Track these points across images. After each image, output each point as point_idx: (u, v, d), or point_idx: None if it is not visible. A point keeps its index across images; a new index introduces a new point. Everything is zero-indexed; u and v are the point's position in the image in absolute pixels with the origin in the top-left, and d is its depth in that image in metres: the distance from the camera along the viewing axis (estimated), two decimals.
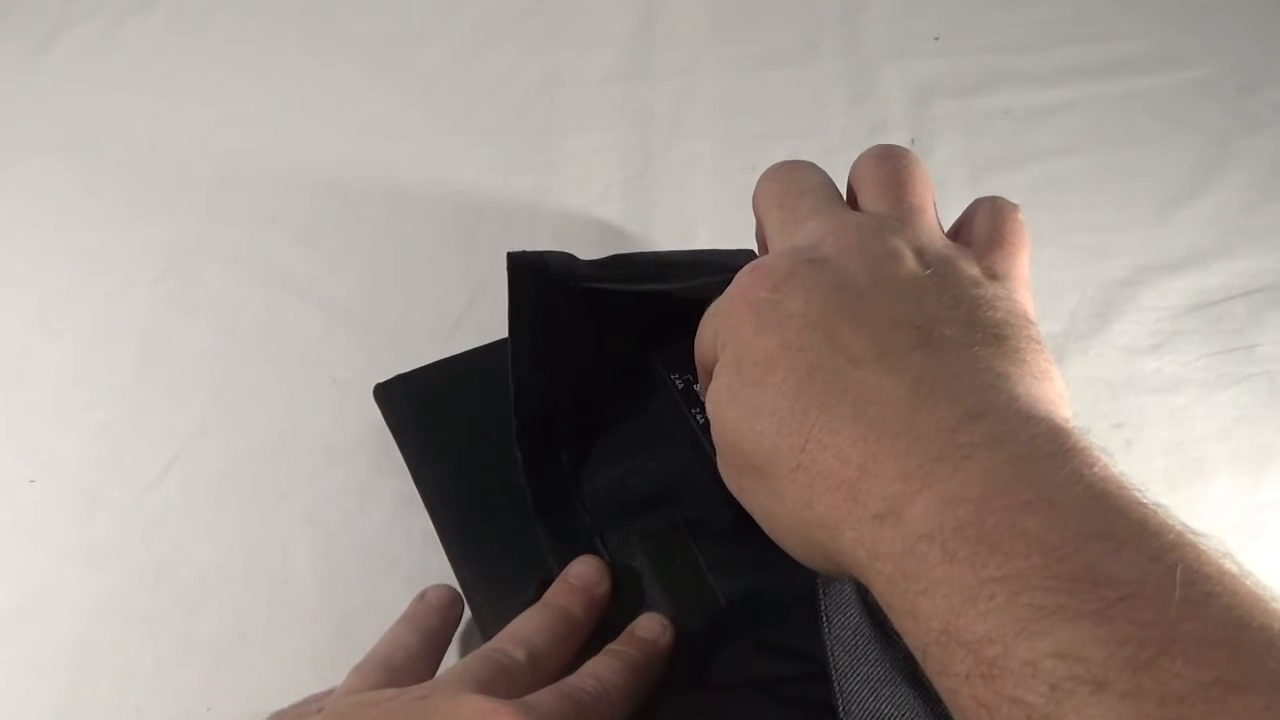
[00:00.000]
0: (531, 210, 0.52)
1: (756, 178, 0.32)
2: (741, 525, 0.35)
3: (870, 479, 0.23)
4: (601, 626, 0.34)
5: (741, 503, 0.29)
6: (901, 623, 0.22)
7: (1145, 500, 0.21)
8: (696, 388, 0.37)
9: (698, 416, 0.36)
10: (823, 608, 0.29)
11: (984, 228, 0.29)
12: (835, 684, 0.28)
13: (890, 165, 0.30)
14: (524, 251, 0.36)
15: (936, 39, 0.60)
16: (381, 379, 0.42)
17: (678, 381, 0.37)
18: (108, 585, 0.39)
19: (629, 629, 0.33)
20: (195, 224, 0.52)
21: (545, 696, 0.28)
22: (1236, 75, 0.57)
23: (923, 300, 0.26)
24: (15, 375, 0.46)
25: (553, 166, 0.54)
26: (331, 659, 0.36)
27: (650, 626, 0.33)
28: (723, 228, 0.51)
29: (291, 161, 0.55)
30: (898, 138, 0.54)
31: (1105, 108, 0.56)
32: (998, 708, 0.19)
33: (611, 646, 0.32)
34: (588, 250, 0.38)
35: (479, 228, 0.51)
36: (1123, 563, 0.19)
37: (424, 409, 0.41)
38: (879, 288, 0.26)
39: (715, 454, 0.35)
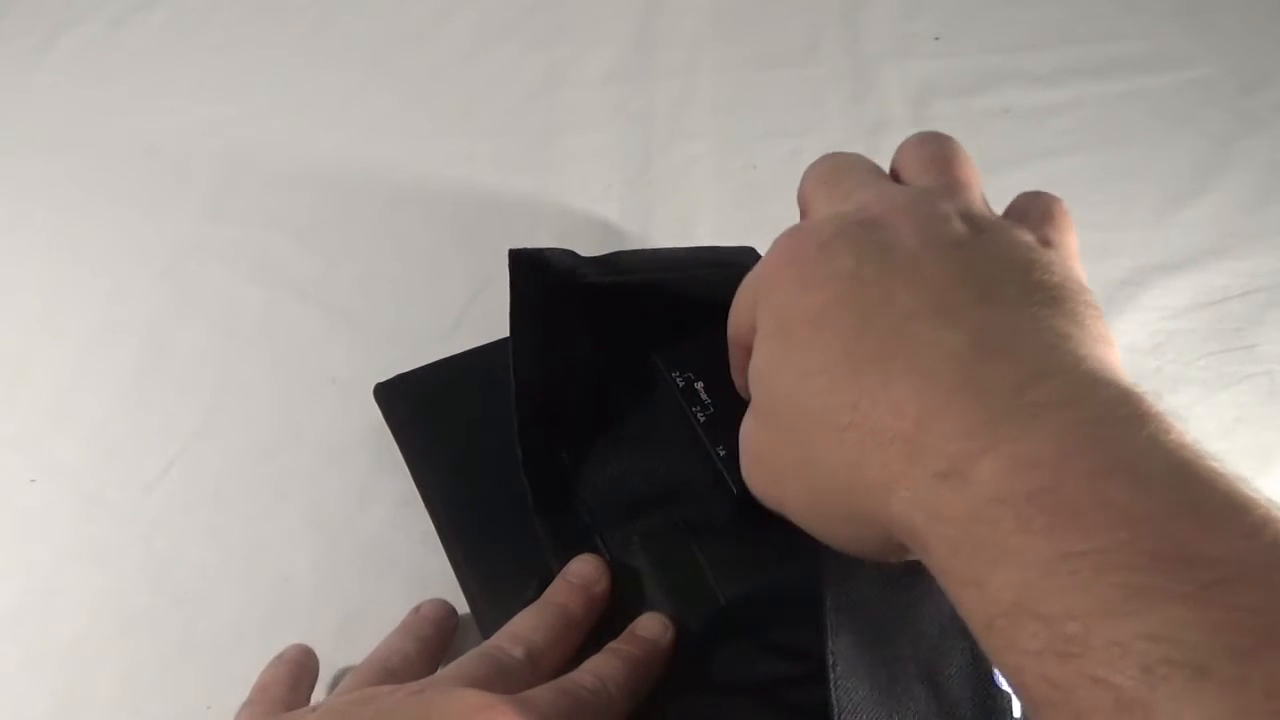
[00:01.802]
0: (531, 210, 0.52)
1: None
2: (742, 525, 0.35)
3: (928, 434, 0.22)
4: (602, 626, 0.34)
5: (772, 496, 0.28)
6: (962, 592, 0.21)
7: (1226, 470, 0.19)
8: (697, 386, 0.37)
9: (698, 415, 0.36)
10: (829, 623, 0.29)
11: (1034, 209, 0.28)
12: (834, 699, 0.28)
13: (934, 145, 0.30)
14: (525, 248, 0.36)
15: (936, 39, 0.60)
16: (381, 379, 0.42)
17: (678, 380, 0.37)
18: (108, 585, 0.39)
19: (630, 628, 0.33)
20: (195, 224, 0.52)
21: (543, 693, 0.28)
22: (1237, 75, 0.57)
23: (977, 261, 0.25)
24: (15, 375, 0.46)
25: (553, 166, 0.54)
26: (331, 659, 0.36)
27: (651, 626, 0.33)
28: (723, 227, 0.51)
29: (291, 161, 0.55)
30: (898, 138, 0.54)
31: (1105, 108, 0.56)
32: (1074, 687, 0.18)
33: (612, 645, 0.32)
34: (588, 250, 0.38)
35: (479, 227, 0.51)
36: (1215, 540, 0.18)
37: (424, 409, 0.41)
38: (931, 247, 0.25)
39: (714, 448, 0.35)
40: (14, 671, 0.37)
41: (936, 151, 0.29)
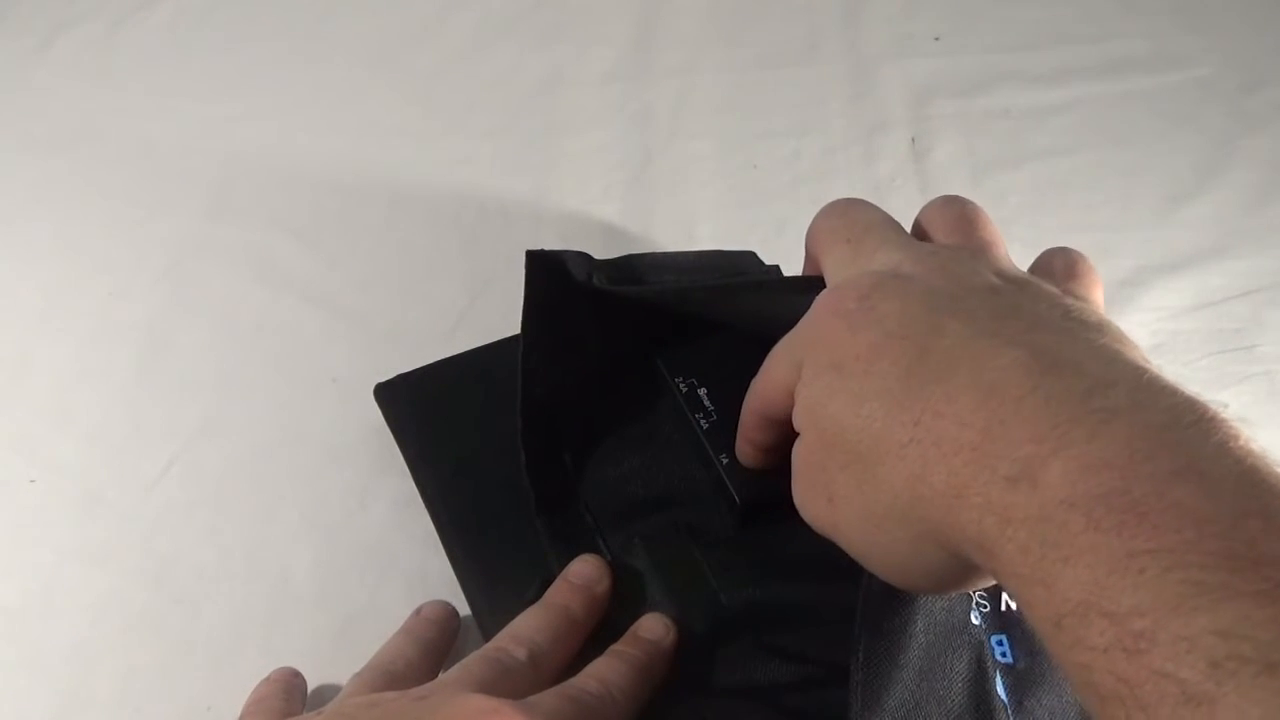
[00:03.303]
0: (532, 210, 0.52)
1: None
2: (743, 532, 0.35)
3: (996, 441, 0.22)
4: (604, 627, 0.34)
5: (826, 524, 0.27)
6: (1030, 593, 0.21)
7: None
8: (700, 392, 0.37)
9: (701, 422, 0.36)
10: (861, 640, 0.29)
11: (1060, 266, 0.29)
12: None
13: (957, 208, 0.30)
14: (542, 250, 0.36)
15: (936, 39, 0.60)
16: (381, 379, 0.42)
17: (681, 385, 0.37)
18: (108, 585, 0.39)
19: (632, 629, 0.33)
20: (195, 223, 0.52)
21: (548, 698, 0.29)
22: (1237, 74, 0.57)
23: (1017, 300, 0.26)
24: (15, 375, 0.46)
25: (553, 166, 0.54)
26: (331, 659, 0.36)
27: (653, 627, 0.33)
28: (723, 227, 0.51)
29: (291, 161, 0.55)
30: (898, 138, 0.54)
31: (1105, 108, 0.56)
32: (1141, 683, 0.18)
33: (615, 647, 0.32)
34: (588, 250, 0.38)
35: (479, 228, 0.51)
36: None
37: (424, 409, 0.41)
38: (971, 293, 0.26)
39: (717, 456, 0.35)
40: (14, 671, 0.37)
41: (961, 214, 0.30)
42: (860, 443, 0.25)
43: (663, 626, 0.33)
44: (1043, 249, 0.31)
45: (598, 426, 0.39)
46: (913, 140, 0.54)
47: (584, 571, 0.34)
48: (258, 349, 0.46)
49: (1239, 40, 0.59)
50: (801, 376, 0.28)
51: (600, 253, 0.39)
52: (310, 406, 0.44)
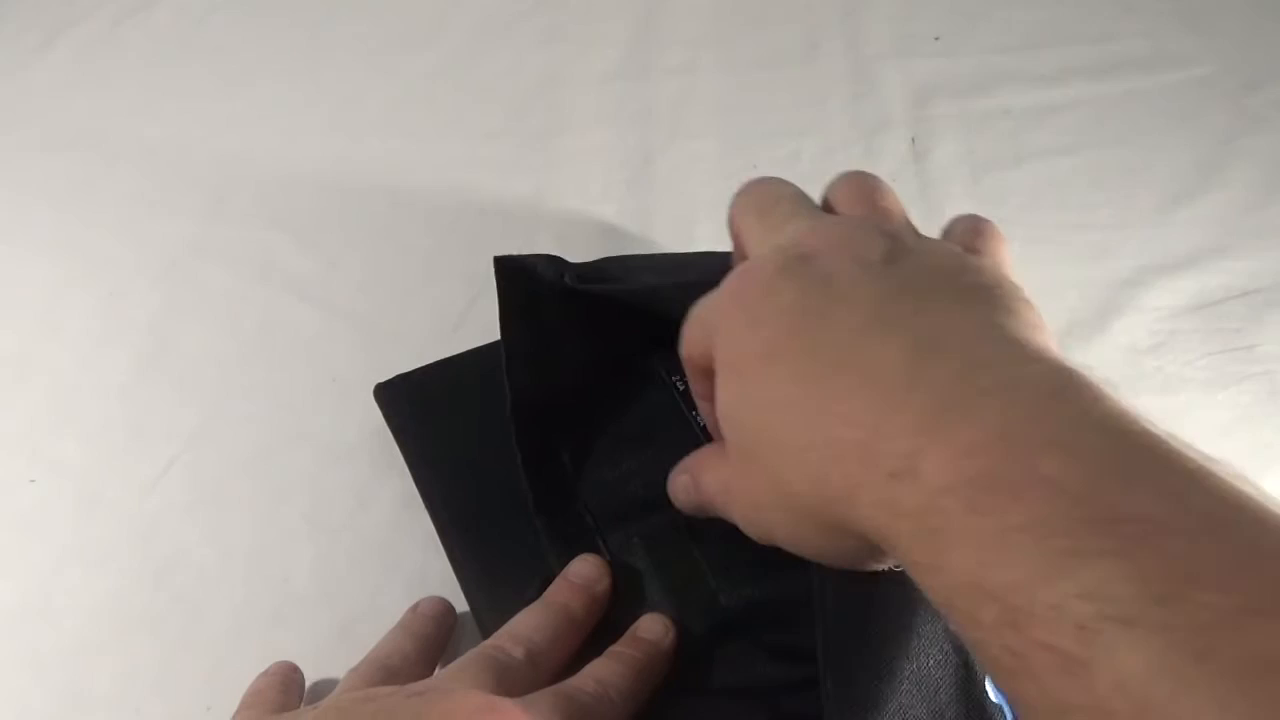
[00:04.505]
0: (531, 210, 0.52)
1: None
2: (742, 532, 0.35)
3: (882, 438, 0.23)
4: (603, 627, 0.34)
5: (760, 529, 0.28)
6: (927, 579, 0.22)
7: (1158, 431, 0.20)
8: None
9: (699, 420, 0.36)
10: (822, 635, 0.29)
11: (962, 227, 0.30)
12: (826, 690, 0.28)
13: (859, 179, 0.31)
14: (511, 255, 0.36)
15: (936, 39, 0.60)
16: (381, 379, 0.42)
17: (678, 383, 0.38)
18: (108, 585, 0.39)
19: (631, 630, 0.33)
20: (195, 224, 0.52)
21: (544, 696, 0.29)
22: (1237, 74, 0.57)
23: (910, 275, 0.26)
24: (15, 375, 0.46)
25: (553, 166, 0.54)
26: (331, 659, 0.36)
27: (653, 627, 0.33)
28: (722, 227, 0.50)
29: (291, 161, 0.55)
30: (898, 138, 0.54)
31: (1105, 108, 0.56)
32: (1029, 654, 0.19)
33: (614, 648, 0.32)
34: (588, 250, 0.38)
35: (479, 228, 0.51)
36: (1142, 499, 0.19)
37: (424, 409, 0.41)
38: (867, 270, 0.26)
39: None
40: (14, 671, 0.37)
41: (862, 184, 0.31)
42: (768, 449, 0.26)
43: (662, 627, 0.33)
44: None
45: (596, 426, 0.39)
46: (913, 140, 0.54)
47: (583, 571, 0.34)
48: (258, 349, 0.46)
49: (1239, 40, 0.59)
50: (715, 366, 0.28)
51: (600, 253, 0.39)
52: (310, 406, 0.44)
